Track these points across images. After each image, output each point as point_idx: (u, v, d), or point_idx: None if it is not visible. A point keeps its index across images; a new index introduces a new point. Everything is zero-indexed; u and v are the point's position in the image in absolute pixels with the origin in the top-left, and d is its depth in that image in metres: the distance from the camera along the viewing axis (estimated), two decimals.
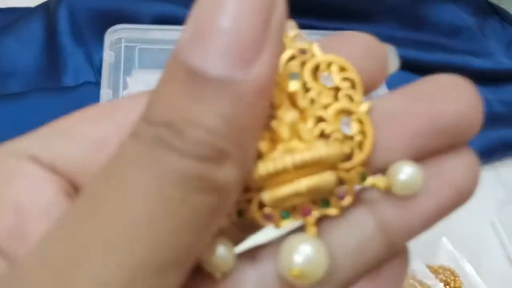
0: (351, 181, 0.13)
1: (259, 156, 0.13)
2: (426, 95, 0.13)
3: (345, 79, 0.14)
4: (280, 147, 0.13)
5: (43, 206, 0.13)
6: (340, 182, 0.13)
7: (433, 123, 0.13)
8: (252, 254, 0.14)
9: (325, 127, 0.13)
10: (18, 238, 0.12)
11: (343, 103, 0.13)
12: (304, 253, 0.12)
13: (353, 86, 0.14)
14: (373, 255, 0.13)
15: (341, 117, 0.13)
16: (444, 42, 0.57)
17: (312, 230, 0.13)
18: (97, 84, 0.45)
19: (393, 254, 0.14)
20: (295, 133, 0.13)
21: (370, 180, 0.13)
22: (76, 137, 0.13)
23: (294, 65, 0.14)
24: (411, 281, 0.41)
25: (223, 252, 0.13)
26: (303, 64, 0.14)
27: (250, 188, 0.13)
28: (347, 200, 0.13)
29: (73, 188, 0.14)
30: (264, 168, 0.12)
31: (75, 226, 0.11)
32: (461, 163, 0.13)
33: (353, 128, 0.13)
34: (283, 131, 0.13)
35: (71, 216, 0.11)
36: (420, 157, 0.13)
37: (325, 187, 0.13)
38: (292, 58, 0.14)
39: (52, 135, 0.14)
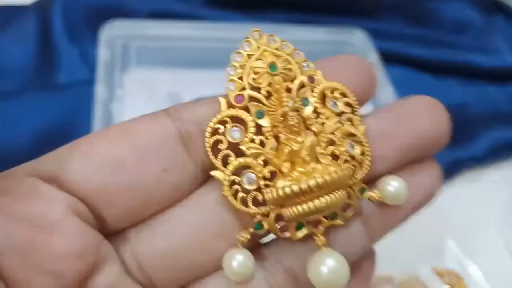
0: (354, 195, 0.16)
1: (280, 175, 0.15)
2: (405, 116, 0.16)
3: (347, 104, 0.17)
4: (300, 169, 0.15)
5: (52, 224, 0.14)
6: None
7: (410, 140, 0.16)
8: (259, 254, 0.16)
9: (335, 148, 0.16)
10: (23, 256, 0.13)
11: (347, 127, 0.16)
12: (329, 265, 0.15)
13: (352, 110, 0.17)
14: (359, 251, 0.17)
15: (346, 140, 0.16)
16: (449, 39, 0.56)
17: (322, 239, 0.16)
18: (92, 82, 0.44)
19: (371, 251, 0.18)
20: (314, 156, 0.16)
21: (368, 194, 0.16)
22: (95, 158, 0.15)
23: (305, 92, 0.16)
24: (416, 284, 0.41)
25: (243, 260, 0.15)
26: (312, 90, 0.16)
27: (264, 203, 0.15)
28: (350, 212, 0.16)
29: (88, 207, 0.15)
30: (289, 188, 0.14)
31: None
32: (430, 173, 0.17)
33: (356, 150, 0.16)
34: (304, 154, 0.15)
35: None
36: (399, 166, 0.16)
37: (339, 203, 0.15)
38: (302, 86, 0.16)
39: (72, 156, 0.15)
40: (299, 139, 0.16)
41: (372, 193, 0.16)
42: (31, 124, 0.44)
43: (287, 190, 0.14)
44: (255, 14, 0.53)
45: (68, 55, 0.49)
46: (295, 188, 0.14)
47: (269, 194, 0.15)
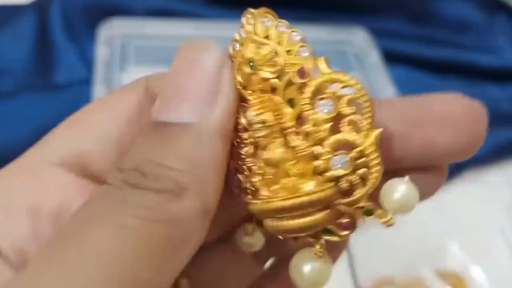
0: (353, 215, 0.14)
1: (255, 191, 0.14)
2: (428, 119, 0.13)
3: (353, 101, 0.13)
4: (277, 185, 0.13)
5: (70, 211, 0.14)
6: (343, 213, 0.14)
7: (427, 150, 0.14)
8: None
9: (318, 164, 0.13)
10: (31, 245, 0.14)
11: (342, 135, 0.13)
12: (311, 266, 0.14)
13: (360, 108, 0.13)
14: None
15: (337, 152, 0.13)
16: (451, 38, 0.56)
17: (318, 252, 0.14)
18: (90, 81, 0.44)
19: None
20: (283, 173, 0.13)
21: (375, 216, 0.14)
22: (98, 133, 0.15)
23: (292, 90, 0.13)
24: (417, 285, 0.40)
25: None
26: (301, 88, 0.13)
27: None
28: (350, 232, 0.14)
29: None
30: (258, 206, 0.13)
31: (48, 261, 0.12)
32: (438, 179, 0.15)
33: (351, 164, 0.13)
34: (268, 170, 0.13)
35: (48, 250, 0.12)
36: (406, 170, 0.14)
37: (317, 225, 0.13)
38: (290, 83, 0.13)
39: (76, 137, 0.15)
40: (264, 155, 0.13)
41: (379, 217, 0.13)
42: (29, 123, 0.44)
43: (264, 206, 0.13)
44: None
45: (67, 54, 0.48)
46: (264, 206, 0.13)
47: (252, 206, 0.14)
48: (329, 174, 0.13)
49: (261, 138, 0.13)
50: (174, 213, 0.12)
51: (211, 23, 0.49)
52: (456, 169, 0.48)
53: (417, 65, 0.53)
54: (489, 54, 0.55)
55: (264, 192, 0.14)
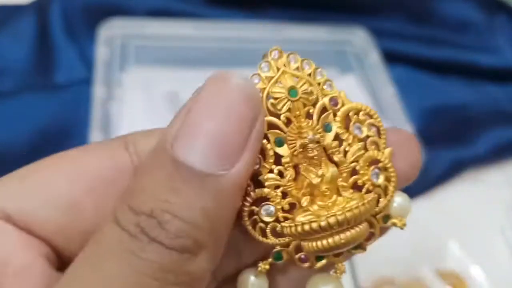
0: (377, 225, 0.16)
1: (300, 208, 0.15)
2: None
3: (372, 125, 0.16)
4: (320, 202, 0.15)
5: (18, 269, 0.13)
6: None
7: None
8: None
9: (358, 178, 0.16)
10: None
11: (371, 153, 0.16)
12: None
13: (378, 131, 0.16)
14: None
15: (371, 167, 0.16)
16: (451, 38, 0.56)
17: (341, 268, 0.16)
18: (90, 81, 0.44)
19: None
20: (334, 188, 0.15)
21: (391, 222, 0.16)
22: (48, 197, 0.13)
23: (327, 116, 0.15)
24: (417, 285, 0.40)
25: (257, 282, 0.15)
26: (334, 113, 0.16)
27: (283, 234, 0.15)
28: (372, 241, 0.16)
29: (51, 248, 0.14)
30: (308, 225, 0.14)
31: None
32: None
33: (380, 178, 0.16)
34: (324, 188, 0.15)
35: None
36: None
37: (360, 238, 0.15)
38: (323, 110, 0.15)
39: (20, 192, 0.14)
40: (319, 172, 0.15)
41: (396, 220, 0.16)
42: (29, 123, 0.44)
43: (306, 227, 0.14)
44: (255, 12, 0.53)
45: (66, 54, 0.48)
46: (315, 225, 0.14)
47: (287, 229, 0.15)
48: (369, 185, 0.16)
49: (315, 160, 0.15)
50: (191, 273, 0.12)
51: (211, 23, 0.49)
52: (456, 169, 0.48)
53: (417, 65, 0.53)
54: (489, 54, 0.55)
55: (308, 212, 0.15)
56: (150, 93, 0.44)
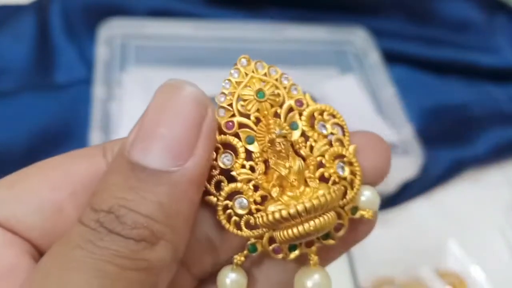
0: (345, 216, 0.17)
1: (271, 200, 0.16)
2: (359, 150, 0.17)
3: (336, 124, 0.17)
4: (289, 193, 0.16)
5: (5, 268, 0.14)
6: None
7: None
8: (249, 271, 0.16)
9: (325, 171, 0.17)
10: None
11: (336, 148, 0.17)
12: (314, 280, 0.16)
13: (342, 130, 0.17)
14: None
15: (336, 161, 0.17)
16: (451, 38, 0.56)
17: (314, 258, 0.16)
18: (90, 81, 0.44)
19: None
20: (302, 179, 0.16)
21: (359, 213, 0.17)
22: (34, 203, 0.14)
23: (293, 116, 0.17)
24: (417, 285, 0.40)
25: (236, 278, 0.16)
26: (300, 113, 0.17)
27: (257, 226, 0.16)
28: (342, 232, 0.17)
29: (36, 250, 0.15)
30: (278, 213, 0.15)
31: None
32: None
33: (346, 171, 0.17)
34: (292, 179, 0.16)
35: None
36: None
37: (329, 226, 0.15)
38: (290, 110, 0.17)
39: (9, 197, 0.15)
40: (287, 164, 0.16)
41: (364, 212, 0.17)
42: (29, 123, 0.44)
43: (276, 215, 0.15)
44: (255, 12, 0.53)
45: (66, 54, 0.48)
46: (284, 213, 0.15)
47: (259, 219, 0.15)
48: (335, 177, 0.16)
49: (283, 153, 0.16)
50: (149, 262, 0.13)
51: (211, 23, 0.49)
52: (456, 169, 0.48)
53: (417, 65, 0.53)
54: (489, 54, 0.55)
55: (278, 202, 0.16)
56: (150, 93, 0.44)
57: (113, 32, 0.46)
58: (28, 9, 0.51)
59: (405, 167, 0.43)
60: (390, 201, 0.45)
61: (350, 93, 0.47)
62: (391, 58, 0.50)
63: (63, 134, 0.43)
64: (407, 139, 0.43)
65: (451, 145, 0.49)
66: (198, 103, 0.14)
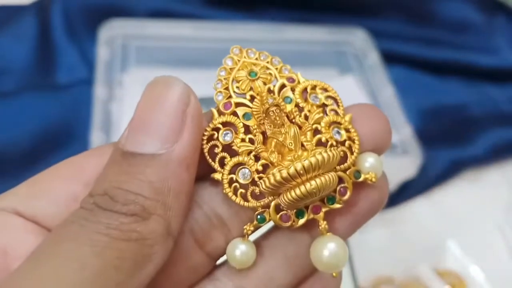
0: (349, 179, 0.17)
1: (271, 166, 0.16)
2: (355, 120, 0.18)
3: (329, 97, 0.18)
4: (289, 157, 0.16)
5: (28, 251, 0.14)
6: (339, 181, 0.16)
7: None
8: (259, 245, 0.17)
9: (321, 136, 0.17)
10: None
11: (332, 117, 0.17)
12: (330, 248, 0.16)
13: (335, 102, 0.18)
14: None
15: (332, 128, 0.17)
16: (450, 39, 0.56)
17: (323, 223, 0.16)
18: (91, 81, 0.44)
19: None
20: (298, 144, 0.17)
21: (363, 176, 0.17)
22: (51, 196, 0.16)
23: (286, 91, 0.18)
24: (416, 284, 0.41)
25: (246, 250, 0.16)
26: (293, 89, 0.18)
27: (263, 196, 0.16)
28: (347, 195, 0.17)
29: None
30: (278, 174, 0.15)
31: (32, 268, 0.13)
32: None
33: (343, 136, 0.17)
34: (289, 143, 0.16)
35: (30, 259, 0.13)
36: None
37: (330, 185, 0.16)
38: (283, 86, 0.18)
39: (30, 194, 0.16)
40: (283, 130, 0.17)
41: (367, 176, 0.17)
42: (30, 123, 0.44)
43: (277, 176, 0.15)
44: (255, 13, 0.53)
45: (68, 54, 0.48)
46: (284, 173, 0.15)
47: (262, 184, 0.16)
48: (332, 141, 0.17)
49: (277, 120, 0.17)
50: (140, 233, 0.14)
51: (211, 24, 0.49)
52: (455, 169, 0.49)
53: (417, 66, 0.53)
54: (489, 55, 0.56)
55: (279, 167, 0.16)
56: None
57: (114, 33, 0.46)
58: (29, 10, 0.51)
59: (405, 167, 0.43)
60: (389, 201, 0.45)
61: (350, 94, 0.47)
62: (390, 58, 0.50)
63: (64, 134, 0.44)
64: (407, 139, 0.43)
65: (450, 145, 0.49)
66: (181, 92, 0.15)
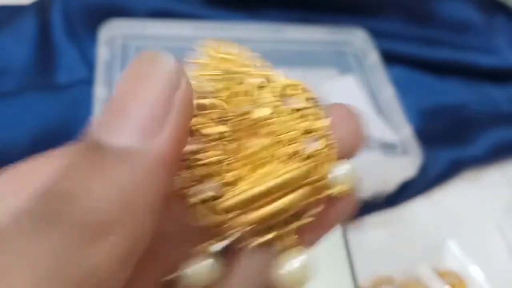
0: (321, 191, 0.16)
1: (241, 179, 0.15)
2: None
3: (309, 99, 0.16)
4: (261, 171, 0.15)
5: None
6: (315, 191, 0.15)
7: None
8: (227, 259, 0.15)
9: (296, 146, 0.16)
10: None
11: (308, 122, 0.16)
12: (292, 266, 0.15)
13: (316, 104, 0.16)
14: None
15: (308, 135, 0.16)
16: (450, 39, 0.56)
17: (292, 238, 0.15)
18: (91, 81, 0.44)
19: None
20: (272, 156, 0.15)
21: (336, 188, 0.16)
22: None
23: (264, 92, 0.16)
24: (416, 284, 0.41)
25: (210, 265, 0.15)
26: (272, 90, 0.16)
27: (230, 209, 0.15)
28: (320, 207, 0.16)
29: None
30: (248, 192, 0.14)
31: None
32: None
33: (319, 144, 0.16)
34: (261, 155, 0.15)
35: None
36: None
37: (299, 203, 0.15)
38: (259, 86, 0.16)
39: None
40: (257, 141, 0.15)
41: (340, 186, 0.16)
42: (30, 123, 0.44)
43: (248, 193, 0.14)
44: (255, 13, 0.53)
45: (68, 54, 0.48)
46: (250, 193, 0.14)
47: (230, 200, 0.15)
48: (306, 153, 0.15)
49: (252, 129, 0.15)
50: (94, 257, 0.11)
51: (211, 24, 0.49)
52: (455, 169, 0.49)
53: (417, 66, 0.53)
54: (489, 55, 0.56)
55: (249, 180, 0.15)
56: None
57: (114, 33, 0.46)
58: (29, 10, 0.51)
59: (404, 167, 0.43)
60: (389, 201, 0.45)
61: (350, 94, 0.47)
62: (390, 58, 0.50)
63: (64, 134, 0.43)
64: (406, 139, 0.43)
65: (450, 145, 0.49)
66: (170, 73, 0.12)
